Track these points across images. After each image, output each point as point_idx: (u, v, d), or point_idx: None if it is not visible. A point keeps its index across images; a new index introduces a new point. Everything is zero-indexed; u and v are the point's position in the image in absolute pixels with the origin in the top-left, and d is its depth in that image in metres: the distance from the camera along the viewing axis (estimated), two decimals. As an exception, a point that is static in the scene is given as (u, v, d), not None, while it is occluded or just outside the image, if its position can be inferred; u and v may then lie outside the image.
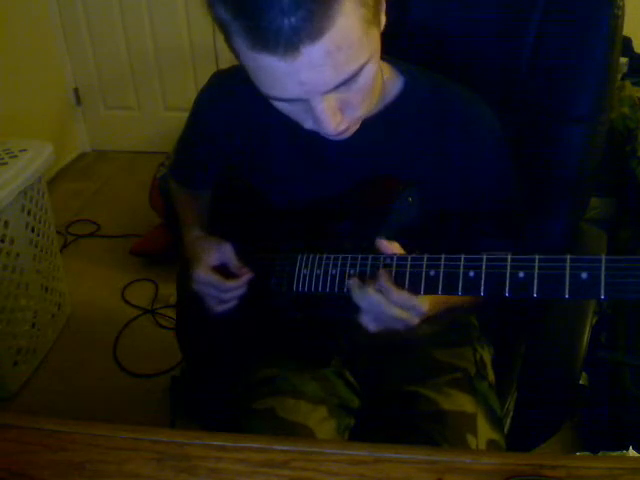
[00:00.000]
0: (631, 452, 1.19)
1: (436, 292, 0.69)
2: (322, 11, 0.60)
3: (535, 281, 0.61)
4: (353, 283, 0.76)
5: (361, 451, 0.66)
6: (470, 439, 0.83)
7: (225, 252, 0.93)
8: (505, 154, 0.88)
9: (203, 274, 0.92)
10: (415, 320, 0.75)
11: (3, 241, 1.58)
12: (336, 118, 0.71)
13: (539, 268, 0.61)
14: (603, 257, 0.58)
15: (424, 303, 0.73)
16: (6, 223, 1.58)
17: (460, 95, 0.86)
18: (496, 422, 0.88)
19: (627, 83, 1.86)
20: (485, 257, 0.66)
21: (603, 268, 0.57)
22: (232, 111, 0.92)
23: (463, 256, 0.67)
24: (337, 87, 0.67)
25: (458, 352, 0.95)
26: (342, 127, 0.73)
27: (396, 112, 0.85)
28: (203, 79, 0.97)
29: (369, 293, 0.73)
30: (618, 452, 1.21)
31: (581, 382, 1.45)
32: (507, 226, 0.90)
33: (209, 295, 0.94)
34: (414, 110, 0.86)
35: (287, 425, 0.86)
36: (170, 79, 2.85)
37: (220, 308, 0.94)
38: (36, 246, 1.74)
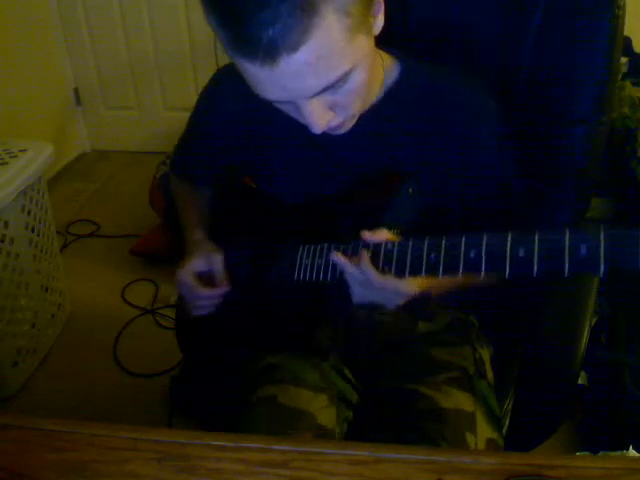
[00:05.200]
0: (631, 452, 1.19)
1: (437, 274, 0.69)
2: (300, 24, 0.61)
3: (535, 257, 0.61)
4: (337, 258, 0.78)
5: (361, 451, 0.66)
6: (469, 438, 0.83)
7: (214, 261, 0.95)
8: (506, 141, 0.88)
9: (184, 276, 0.95)
10: (400, 300, 0.76)
11: (3, 241, 1.58)
12: (325, 117, 0.73)
13: (539, 242, 0.61)
14: (602, 227, 0.57)
15: (409, 286, 0.74)
16: (6, 223, 1.58)
17: (459, 79, 0.87)
18: (495, 421, 0.88)
19: (627, 83, 1.86)
20: (485, 236, 0.66)
21: (602, 239, 0.57)
22: (234, 105, 0.93)
23: (464, 237, 0.67)
24: (320, 92, 0.69)
25: (457, 351, 0.95)
26: (334, 124, 0.75)
27: (394, 100, 0.86)
28: (203, 79, 0.98)
29: (351, 270, 0.76)
30: (618, 452, 1.21)
31: (581, 382, 1.46)
32: (507, 217, 0.90)
33: (185, 297, 0.97)
34: (411, 96, 0.86)
35: (289, 412, 0.87)
36: (170, 79, 2.85)
37: (194, 312, 0.97)
38: (36, 246, 1.74)
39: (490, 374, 0.97)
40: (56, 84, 2.86)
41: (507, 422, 0.98)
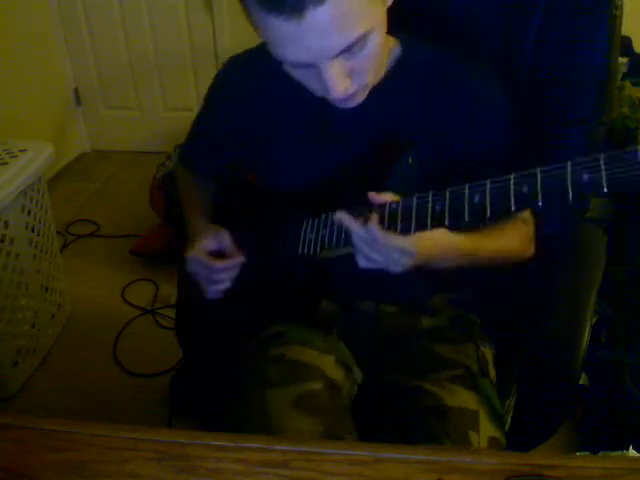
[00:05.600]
0: (631, 452, 1.19)
1: (443, 223, 0.69)
2: None
3: (539, 190, 0.61)
4: (342, 216, 0.77)
5: (361, 451, 0.66)
6: (472, 436, 0.83)
7: (222, 238, 0.96)
8: (509, 118, 0.89)
9: (195, 255, 0.95)
10: (406, 261, 0.76)
11: (3, 241, 1.58)
12: (344, 83, 0.75)
13: (542, 178, 0.61)
14: (602, 155, 0.58)
15: (415, 244, 0.74)
16: (6, 223, 1.58)
17: (461, 56, 0.89)
18: (497, 420, 0.88)
19: (627, 83, 1.86)
20: (489, 180, 0.66)
21: (603, 163, 0.57)
22: (243, 89, 0.94)
23: (467, 185, 0.68)
24: (343, 52, 0.71)
25: (461, 348, 0.95)
26: (350, 91, 0.77)
27: (397, 77, 0.88)
28: (203, 79, 0.99)
29: (356, 229, 0.76)
30: (618, 452, 1.21)
31: (581, 382, 1.46)
32: None
33: (200, 276, 0.97)
34: (414, 72, 0.88)
35: (298, 365, 0.88)
36: (170, 79, 2.84)
37: (212, 289, 0.97)
38: (36, 246, 1.74)
39: (492, 372, 0.97)
40: (56, 84, 2.86)
41: (508, 422, 0.98)
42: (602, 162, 0.57)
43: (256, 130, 0.96)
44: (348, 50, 0.71)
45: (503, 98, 0.88)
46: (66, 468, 0.67)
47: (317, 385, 0.86)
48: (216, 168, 1.08)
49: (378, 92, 0.85)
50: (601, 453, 1.28)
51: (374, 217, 0.74)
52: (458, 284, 1.01)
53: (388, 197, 0.76)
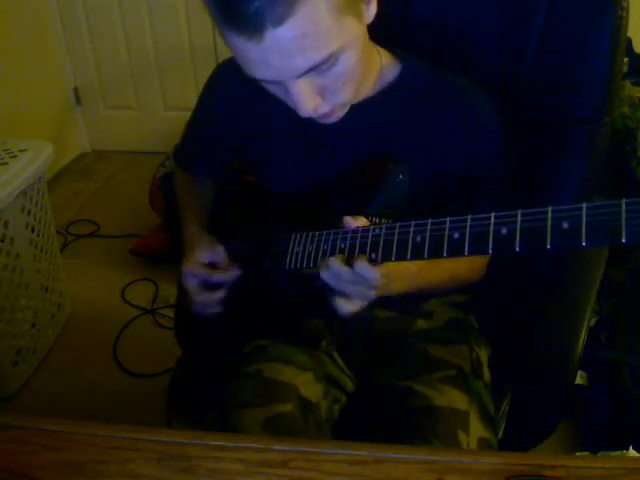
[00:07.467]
0: (631, 452, 1.19)
1: (422, 256, 0.68)
2: None
3: (517, 235, 0.61)
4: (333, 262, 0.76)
5: (361, 451, 0.66)
6: (461, 436, 0.83)
7: (217, 253, 0.96)
8: (503, 140, 0.88)
9: (191, 267, 0.95)
10: (372, 293, 0.76)
11: (3, 241, 1.58)
12: (313, 102, 0.73)
13: (522, 222, 0.61)
14: (584, 205, 0.57)
15: (378, 274, 0.73)
16: (6, 223, 1.58)
17: (459, 79, 0.88)
18: (488, 421, 0.88)
19: (627, 83, 1.86)
20: (469, 217, 0.65)
21: (584, 216, 0.56)
22: (237, 90, 0.94)
23: (448, 219, 0.67)
24: (307, 72, 0.69)
25: (454, 350, 0.95)
26: (322, 111, 0.75)
27: (393, 95, 0.87)
28: (203, 79, 0.99)
29: (347, 276, 0.74)
30: (618, 452, 1.21)
31: (581, 382, 1.46)
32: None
33: (194, 289, 0.96)
34: (411, 93, 0.87)
35: (272, 384, 0.88)
36: (170, 79, 2.85)
37: (205, 299, 0.96)
38: (36, 246, 1.74)
39: (487, 374, 0.97)
40: (56, 84, 2.86)
41: (504, 423, 0.98)
42: (583, 213, 0.56)
43: (250, 131, 0.96)
44: (316, 69, 0.69)
45: (496, 119, 0.87)
46: (66, 468, 0.67)
47: (287, 407, 0.85)
48: (212, 168, 1.08)
49: (368, 108, 0.84)
50: (601, 453, 1.28)
51: (333, 259, 0.73)
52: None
53: (361, 223, 0.75)
